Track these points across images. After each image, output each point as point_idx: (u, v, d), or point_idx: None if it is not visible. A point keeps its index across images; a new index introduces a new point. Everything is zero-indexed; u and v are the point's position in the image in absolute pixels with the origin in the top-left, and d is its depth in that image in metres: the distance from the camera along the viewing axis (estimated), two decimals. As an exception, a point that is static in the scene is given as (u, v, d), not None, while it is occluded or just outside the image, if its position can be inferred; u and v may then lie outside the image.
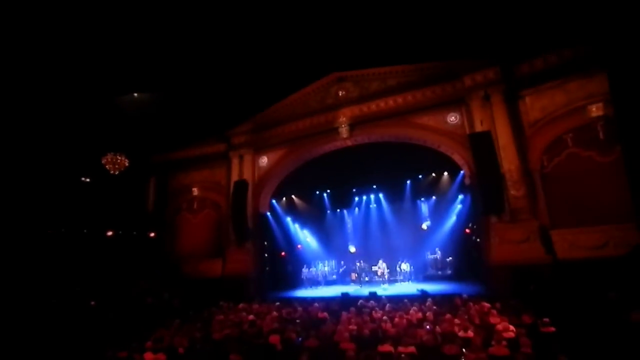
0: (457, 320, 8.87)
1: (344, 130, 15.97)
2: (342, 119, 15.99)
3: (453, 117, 14.58)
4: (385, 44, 16.17)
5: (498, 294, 11.41)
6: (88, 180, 13.96)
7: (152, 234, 17.65)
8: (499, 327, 8.08)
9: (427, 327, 8.33)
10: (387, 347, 7.22)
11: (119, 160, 12.09)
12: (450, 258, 17.05)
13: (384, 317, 9.57)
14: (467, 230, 16.54)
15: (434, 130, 14.83)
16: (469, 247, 15.86)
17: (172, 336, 7.74)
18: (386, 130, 15.65)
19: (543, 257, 11.86)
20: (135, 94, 14.98)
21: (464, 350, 6.99)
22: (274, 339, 7.89)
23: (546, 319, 7.93)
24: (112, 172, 12.21)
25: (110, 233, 15.71)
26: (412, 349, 7.06)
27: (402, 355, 6.06)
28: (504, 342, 6.91)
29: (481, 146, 13.11)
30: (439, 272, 17.00)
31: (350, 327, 8.77)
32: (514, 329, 7.88)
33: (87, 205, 14.78)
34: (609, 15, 10.86)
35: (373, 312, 10.22)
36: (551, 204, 12.64)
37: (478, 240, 14.58)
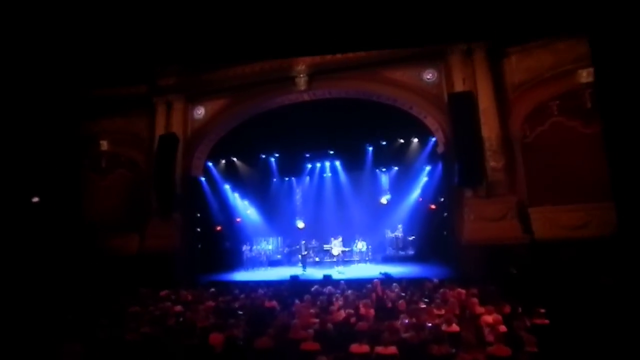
0: (435, 311, 8.23)
1: (301, 81, 14.54)
2: (300, 67, 14.48)
3: (430, 75, 13.85)
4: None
5: (471, 278, 11.10)
6: None
7: (36, 199, 14.62)
8: (488, 319, 7.49)
9: (405, 320, 7.50)
10: (362, 348, 6.25)
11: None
12: (413, 237, 16.71)
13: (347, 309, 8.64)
14: (433, 206, 16.23)
15: (407, 88, 14.01)
16: (435, 224, 15.56)
17: (60, 341, 5.93)
18: (352, 84, 14.53)
19: (520, 237, 11.76)
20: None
21: (453, 350, 6.23)
22: (213, 338, 6.51)
23: (541, 309, 7.50)
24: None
25: None
26: (393, 349, 6.16)
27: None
28: (502, 339, 6.26)
29: (461, 108, 12.51)
30: (400, 253, 16.63)
31: (311, 320, 7.71)
32: (501, 320, 7.37)
33: None
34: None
35: (334, 300, 9.23)
36: (531, 178, 12.54)
37: (447, 216, 14.24)
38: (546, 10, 11.87)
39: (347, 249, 16.31)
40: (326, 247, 16.73)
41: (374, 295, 9.88)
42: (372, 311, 8.67)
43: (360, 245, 16.40)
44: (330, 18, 7.13)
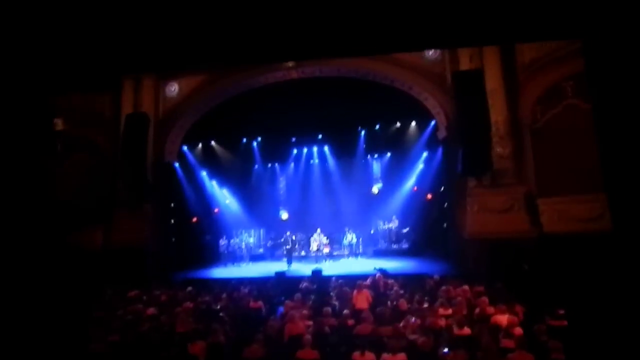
0: (441, 310, 7.93)
1: (289, 57, 13.90)
2: (289, 41, 13.85)
3: (432, 51, 13.43)
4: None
5: (474, 274, 10.95)
6: None
7: None
8: (502, 320, 7.21)
9: (412, 320, 7.16)
10: (365, 356, 5.86)
11: None
12: (407, 229, 16.47)
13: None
14: (429, 196, 15.99)
15: (406, 66, 13.68)
16: (433, 215, 15.41)
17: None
18: (345, 61, 13.98)
19: (528, 230, 11.64)
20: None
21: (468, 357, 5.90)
22: (194, 347, 6.00)
23: (560, 310, 7.27)
24: None
25: None
26: (402, 356, 5.79)
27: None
28: (523, 344, 5.97)
29: (468, 89, 12.04)
30: (393, 246, 16.41)
31: (304, 323, 7.29)
32: (516, 322, 7.11)
33: None
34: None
35: (329, 299, 8.88)
36: (540, 166, 12.32)
37: (447, 207, 14.05)
38: (539, 13, 11.64)
39: (326, 242, 16.01)
40: (312, 239, 16.35)
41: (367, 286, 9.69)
42: (366, 293, 8.62)
43: (350, 238, 16.20)
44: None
